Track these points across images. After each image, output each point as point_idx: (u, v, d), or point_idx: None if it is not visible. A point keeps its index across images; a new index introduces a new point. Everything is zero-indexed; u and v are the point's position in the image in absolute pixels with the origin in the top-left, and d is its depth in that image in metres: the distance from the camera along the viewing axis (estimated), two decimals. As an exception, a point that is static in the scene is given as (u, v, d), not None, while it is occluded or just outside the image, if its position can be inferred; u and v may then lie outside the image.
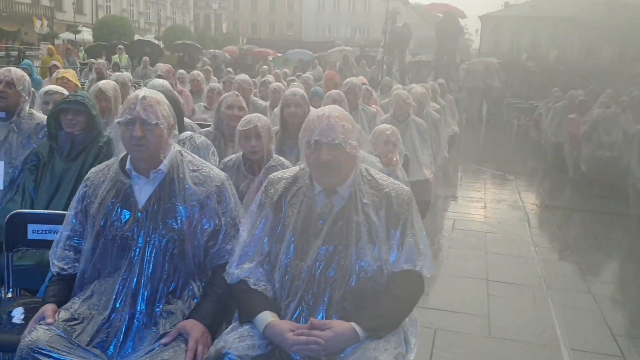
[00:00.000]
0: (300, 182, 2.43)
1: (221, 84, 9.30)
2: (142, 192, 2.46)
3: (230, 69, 12.72)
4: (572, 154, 9.34)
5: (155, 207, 2.43)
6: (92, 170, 2.61)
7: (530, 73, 18.57)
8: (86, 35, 37.73)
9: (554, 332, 4.13)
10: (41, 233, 2.87)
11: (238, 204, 2.63)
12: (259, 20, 65.40)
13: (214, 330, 2.35)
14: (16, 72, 4.02)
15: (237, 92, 4.53)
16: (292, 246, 2.34)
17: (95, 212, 2.46)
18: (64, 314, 2.31)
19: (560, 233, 6.92)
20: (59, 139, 3.57)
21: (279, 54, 21.23)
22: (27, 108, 4.07)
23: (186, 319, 2.34)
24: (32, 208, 3.41)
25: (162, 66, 7.50)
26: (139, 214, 2.42)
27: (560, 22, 52.52)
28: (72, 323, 2.29)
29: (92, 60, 15.47)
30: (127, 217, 2.44)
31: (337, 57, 18.46)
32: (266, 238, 2.40)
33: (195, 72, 8.69)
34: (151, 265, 2.41)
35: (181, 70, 10.42)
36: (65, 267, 2.51)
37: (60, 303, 2.38)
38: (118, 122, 2.40)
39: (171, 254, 2.43)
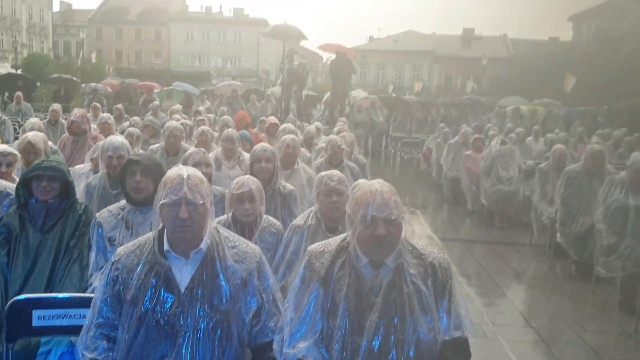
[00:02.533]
0: (344, 254, 2.46)
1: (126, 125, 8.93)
2: (183, 273, 2.38)
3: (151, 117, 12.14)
4: (471, 188, 10.02)
5: (200, 289, 2.36)
6: (121, 251, 2.47)
7: (411, 107, 19.66)
8: None
9: None
10: (49, 319, 2.62)
11: (275, 279, 2.60)
12: (125, 49, 63.30)
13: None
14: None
15: (203, 149, 4.42)
16: (346, 320, 2.37)
17: (133, 298, 2.33)
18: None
19: (474, 264, 7.39)
20: (29, 207, 3.31)
21: (164, 88, 20.71)
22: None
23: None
24: (5, 287, 3.13)
25: (76, 111, 7.08)
26: (184, 297, 2.33)
27: (422, 55, 56.04)
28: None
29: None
30: (171, 301, 2.34)
31: (226, 91, 18.39)
32: (319, 314, 2.40)
33: (106, 115, 8.27)
34: (200, 349, 2.32)
35: (57, 105, 9.80)
36: (98, 358, 2.35)
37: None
38: (162, 204, 2.30)
39: (219, 336, 2.36)
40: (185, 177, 2.33)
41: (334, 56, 15.20)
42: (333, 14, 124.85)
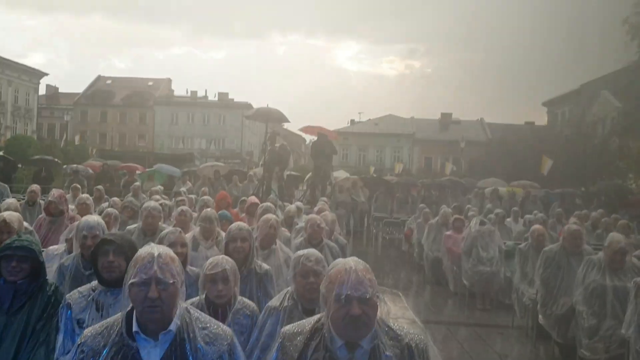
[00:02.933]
0: (319, 335, 2.40)
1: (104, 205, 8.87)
2: (151, 356, 2.30)
3: (144, 196, 12.08)
4: (452, 269, 9.97)
5: (168, 372, 2.27)
6: (87, 333, 2.39)
7: (392, 188, 19.88)
8: None
9: None
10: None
11: (247, 361, 2.52)
12: (109, 131, 63.93)
13: None
14: None
15: (179, 229, 4.38)
16: (320, 405, 2.28)
17: (97, 383, 2.24)
18: None
19: (458, 348, 7.24)
20: (-4, 288, 3.22)
21: (147, 169, 20.77)
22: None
23: None
24: (-34, 372, 2.98)
25: (54, 192, 7.04)
26: (151, 380, 2.24)
27: (402, 138, 57.28)
28: None
29: None
30: (137, 386, 2.24)
31: (209, 172, 18.49)
32: (292, 399, 2.32)
33: (84, 195, 8.23)
34: None
35: (35, 186, 9.73)
36: None
37: None
38: (131, 283, 2.25)
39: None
40: (155, 255, 2.29)
41: (315, 138, 15.48)
42: (316, 98, 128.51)
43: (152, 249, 2.35)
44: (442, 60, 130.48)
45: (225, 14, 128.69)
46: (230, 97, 66.87)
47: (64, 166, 20.97)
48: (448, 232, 10.29)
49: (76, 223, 4.53)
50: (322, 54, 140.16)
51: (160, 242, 4.21)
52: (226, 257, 3.50)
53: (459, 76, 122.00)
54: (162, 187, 14.19)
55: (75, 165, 19.49)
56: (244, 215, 8.76)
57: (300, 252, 3.49)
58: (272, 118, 15.11)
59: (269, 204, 7.55)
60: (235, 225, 4.33)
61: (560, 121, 44.82)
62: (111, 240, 3.26)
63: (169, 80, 71.75)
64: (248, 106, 57.86)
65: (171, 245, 4.15)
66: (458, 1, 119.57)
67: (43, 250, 4.54)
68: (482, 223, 9.34)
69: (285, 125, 49.12)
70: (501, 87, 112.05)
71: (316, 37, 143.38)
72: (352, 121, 63.31)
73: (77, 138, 40.61)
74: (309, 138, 16.05)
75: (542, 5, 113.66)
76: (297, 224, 7.78)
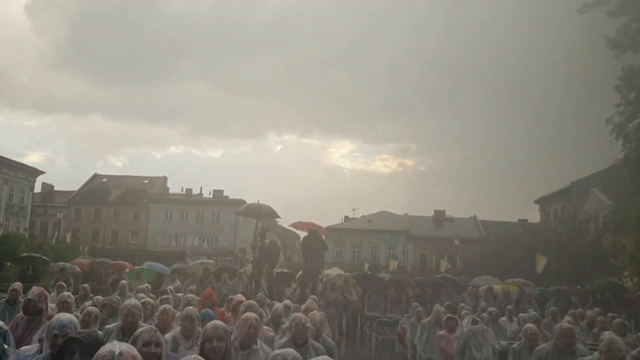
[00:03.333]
0: None
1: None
2: None
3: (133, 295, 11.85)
4: (446, 370, 9.61)
5: None
6: None
7: (385, 285, 19.56)
8: None
9: None
10: None
11: None
12: (102, 229, 63.77)
13: None
14: None
15: (154, 327, 4.22)
16: None
17: None
18: None
19: None
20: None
21: (135, 267, 20.48)
22: None
23: None
24: None
25: (34, 289, 6.88)
26: None
27: (396, 235, 57.27)
28: None
29: None
30: None
31: (198, 270, 18.24)
32: None
33: (66, 293, 8.00)
34: None
35: (17, 284, 9.49)
36: None
37: None
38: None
39: None
40: (116, 353, 2.19)
41: (306, 234, 15.40)
42: (310, 195, 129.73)
43: (114, 346, 2.25)
44: (434, 158, 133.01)
45: (223, 115, 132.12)
46: (225, 194, 67.42)
47: (51, 264, 20.70)
48: (441, 332, 10.01)
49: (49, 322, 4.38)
50: (316, 152, 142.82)
51: (135, 341, 4.05)
52: (199, 358, 3.35)
53: (451, 174, 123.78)
54: (149, 286, 13.91)
55: (62, 263, 19.25)
56: (229, 314, 8.54)
57: (278, 351, 3.36)
58: (262, 214, 15.10)
59: (252, 301, 7.38)
60: (211, 324, 4.20)
61: (553, 218, 45.06)
62: (78, 339, 3.13)
63: (165, 179, 72.50)
64: (242, 203, 58.14)
65: (145, 344, 4.00)
66: (448, 102, 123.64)
67: (15, 352, 4.37)
68: (474, 322, 9.10)
69: (279, 222, 49.14)
70: (493, 184, 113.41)
71: (311, 137, 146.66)
72: (346, 218, 63.54)
73: (68, 236, 40.43)
74: (303, 235, 15.99)
75: (529, 104, 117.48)
76: (284, 324, 7.57)
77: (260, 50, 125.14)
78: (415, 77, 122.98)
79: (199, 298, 8.99)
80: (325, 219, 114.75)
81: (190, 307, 6.11)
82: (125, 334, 5.61)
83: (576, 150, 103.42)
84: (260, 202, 15.62)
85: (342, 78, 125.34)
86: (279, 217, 15.75)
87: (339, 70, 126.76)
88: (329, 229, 56.77)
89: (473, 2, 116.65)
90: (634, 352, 6.67)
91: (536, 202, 54.93)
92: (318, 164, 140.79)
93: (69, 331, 3.89)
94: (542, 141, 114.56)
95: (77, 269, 19.29)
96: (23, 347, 5.04)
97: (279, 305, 8.72)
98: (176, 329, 5.82)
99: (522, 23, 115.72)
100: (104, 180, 71.41)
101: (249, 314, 5.14)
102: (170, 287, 14.29)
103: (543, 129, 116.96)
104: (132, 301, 6.16)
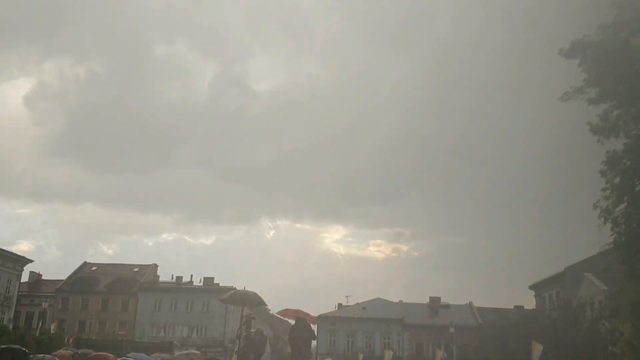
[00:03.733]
0: None
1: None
2: None
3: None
4: None
5: None
6: None
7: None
8: None
9: None
10: None
11: None
12: (89, 319, 62.14)
13: None
14: None
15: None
16: None
17: None
18: None
19: None
20: None
21: (118, 359, 19.80)
22: None
23: None
24: None
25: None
26: None
27: (391, 323, 55.98)
28: None
29: None
30: None
31: (183, 361, 17.62)
32: None
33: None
34: None
35: None
36: None
37: None
38: None
39: None
40: None
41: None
42: (303, 281, 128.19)
43: None
44: (428, 243, 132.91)
45: (216, 201, 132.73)
46: (216, 281, 66.18)
47: (31, 356, 19.96)
48: None
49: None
50: (310, 237, 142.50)
51: None
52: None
53: (445, 259, 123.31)
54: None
55: (42, 355, 18.63)
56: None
57: None
58: (248, 302, 14.74)
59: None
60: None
61: (548, 304, 44.33)
62: None
63: (155, 266, 71.40)
64: (232, 290, 57.19)
65: None
66: (441, 187, 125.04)
67: None
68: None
69: (271, 310, 48.14)
70: (488, 270, 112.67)
71: (304, 222, 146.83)
72: (340, 305, 62.18)
73: (52, 326, 39.35)
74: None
75: (521, 189, 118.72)
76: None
77: (254, 138, 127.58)
78: (407, 162, 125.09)
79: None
80: (319, 305, 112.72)
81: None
82: None
83: (568, 235, 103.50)
84: (246, 288, 15.29)
85: (334, 163, 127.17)
86: (265, 304, 15.38)
87: (331, 155, 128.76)
88: (322, 317, 55.85)
89: (463, 90, 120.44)
90: None
91: (531, 287, 54.25)
92: (311, 249, 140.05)
93: None
94: (534, 226, 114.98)
95: (57, 360, 18.62)
96: None
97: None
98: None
99: (512, 110, 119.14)
100: (93, 268, 70.30)
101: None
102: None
103: (535, 212, 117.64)
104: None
